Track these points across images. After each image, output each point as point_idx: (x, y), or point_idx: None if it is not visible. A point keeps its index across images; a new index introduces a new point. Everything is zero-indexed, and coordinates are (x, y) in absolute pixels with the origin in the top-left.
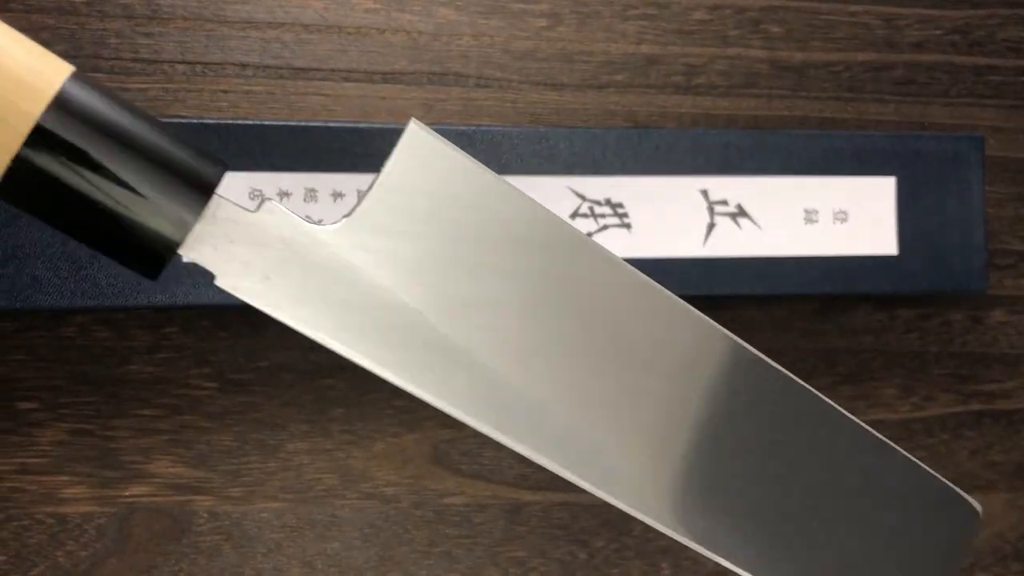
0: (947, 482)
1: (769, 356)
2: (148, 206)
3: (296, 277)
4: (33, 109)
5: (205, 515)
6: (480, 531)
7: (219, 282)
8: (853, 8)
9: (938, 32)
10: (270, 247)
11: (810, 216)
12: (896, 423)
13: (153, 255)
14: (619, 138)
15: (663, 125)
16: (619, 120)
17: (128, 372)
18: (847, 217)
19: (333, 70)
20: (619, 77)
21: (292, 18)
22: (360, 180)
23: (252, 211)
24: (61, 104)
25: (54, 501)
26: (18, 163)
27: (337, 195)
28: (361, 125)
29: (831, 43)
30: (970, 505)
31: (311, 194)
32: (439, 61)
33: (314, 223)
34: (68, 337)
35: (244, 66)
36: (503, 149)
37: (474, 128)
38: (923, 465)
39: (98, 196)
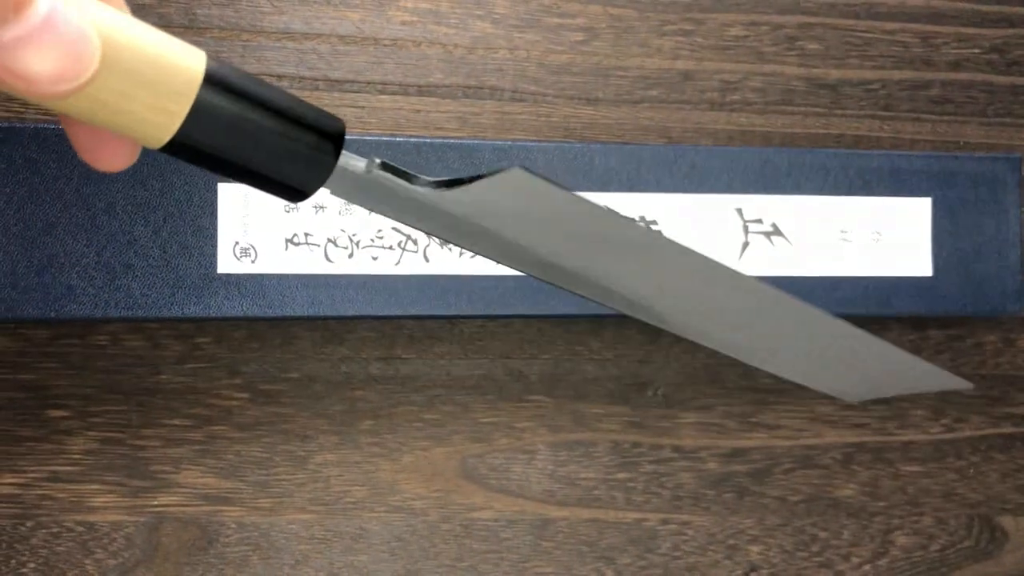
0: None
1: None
2: (301, 134)
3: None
4: (198, 65)
5: (233, 526)
6: (507, 546)
7: (361, 204)
8: (890, 26)
9: (975, 51)
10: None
11: (845, 236)
12: (927, 444)
13: (304, 182)
14: (654, 155)
15: (697, 141)
16: (653, 135)
17: (159, 382)
18: (882, 237)
19: (368, 82)
20: (654, 92)
21: (328, 29)
22: None
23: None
24: (213, 71)
25: (84, 509)
26: (194, 110)
27: None
28: (397, 138)
29: (867, 61)
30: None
31: (346, 207)
32: (475, 74)
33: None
34: (100, 346)
35: (280, 77)
36: (538, 164)
37: (510, 143)
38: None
39: (262, 129)
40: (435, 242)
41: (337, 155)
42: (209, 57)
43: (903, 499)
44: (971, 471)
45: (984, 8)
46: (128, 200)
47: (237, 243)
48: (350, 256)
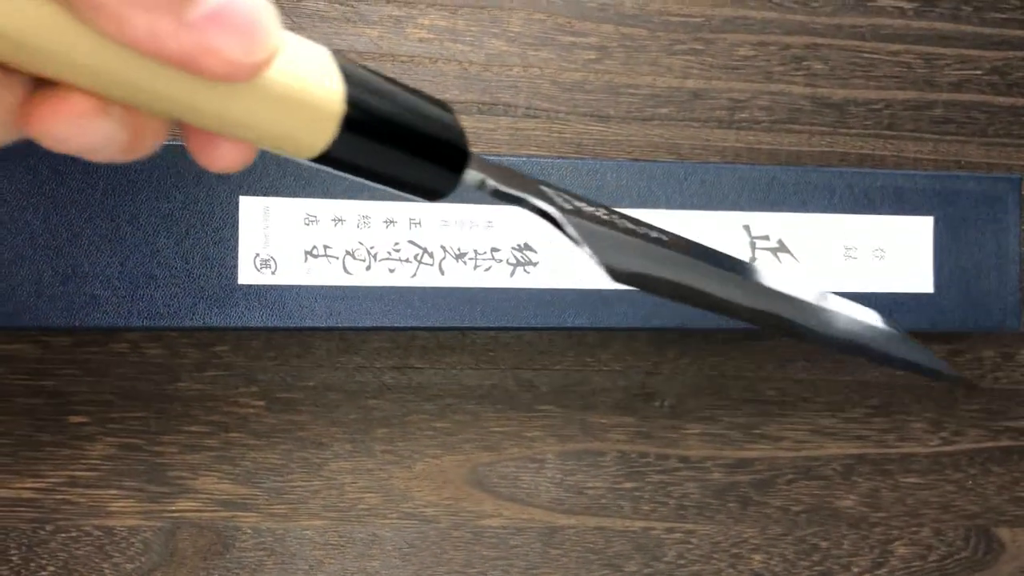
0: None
1: (803, 387)
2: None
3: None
4: (338, 76)
5: (249, 531)
6: (516, 553)
7: (511, 191)
8: (894, 47)
9: (977, 72)
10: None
11: (849, 253)
12: (926, 456)
13: (443, 182)
14: (665, 172)
15: (706, 158)
16: (663, 152)
17: (178, 389)
18: (885, 254)
19: None
20: (664, 110)
21: (347, 45)
22: (411, 209)
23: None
24: (348, 72)
25: (102, 514)
26: (346, 119)
27: (389, 222)
28: None
29: (872, 81)
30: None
31: (364, 220)
32: (489, 91)
33: None
34: (120, 353)
35: None
36: (551, 180)
37: (524, 159)
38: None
39: (404, 126)
40: (450, 255)
41: (465, 163)
42: (348, 64)
43: (902, 510)
44: (969, 483)
45: (985, 31)
46: (151, 212)
47: (258, 255)
48: (367, 268)
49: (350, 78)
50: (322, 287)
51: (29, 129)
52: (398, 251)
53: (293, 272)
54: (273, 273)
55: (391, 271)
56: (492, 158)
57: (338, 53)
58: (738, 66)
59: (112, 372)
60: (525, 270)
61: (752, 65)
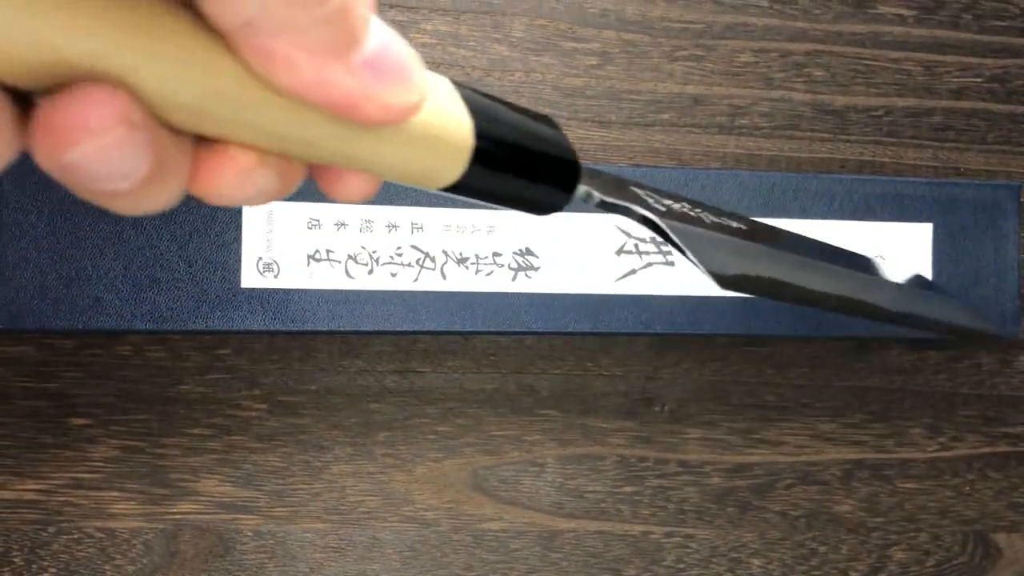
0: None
1: (804, 392)
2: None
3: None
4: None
5: (250, 534)
6: (516, 557)
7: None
8: (894, 55)
9: (977, 80)
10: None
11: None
12: (923, 462)
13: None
14: (666, 178)
15: (707, 164)
16: (663, 158)
17: (180, 392)
18: (884, 261)
19: None
20: (665, 116)
21: None
22: (413, 214)
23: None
24: (470, 103)
25: (104, 516)
26: (476, 154)
27: (392, 226)
28: None
29: (872, 88)
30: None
31: (367, 225)
32: None
33: None
34: (123, 356)
35: None
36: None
37: None
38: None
39: (525, 149)
40: (452, 260)
41: (577, 179)
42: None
43: (900, 515)
44: (967, 489)
45: (985, 38)
46: (155, 216)
47: (260, 259)
48: (370, 272)
49: (473, 109)
50: (324, 291)
51: (193, 188)
52: (400, 255)
53: (296, 276)
54: (276, 277)
55: (393, 275)
56: None
57: (457, 84)
58: (739, 72)
59: (115, 375)
60: (527, 275)
61: (753, 71)
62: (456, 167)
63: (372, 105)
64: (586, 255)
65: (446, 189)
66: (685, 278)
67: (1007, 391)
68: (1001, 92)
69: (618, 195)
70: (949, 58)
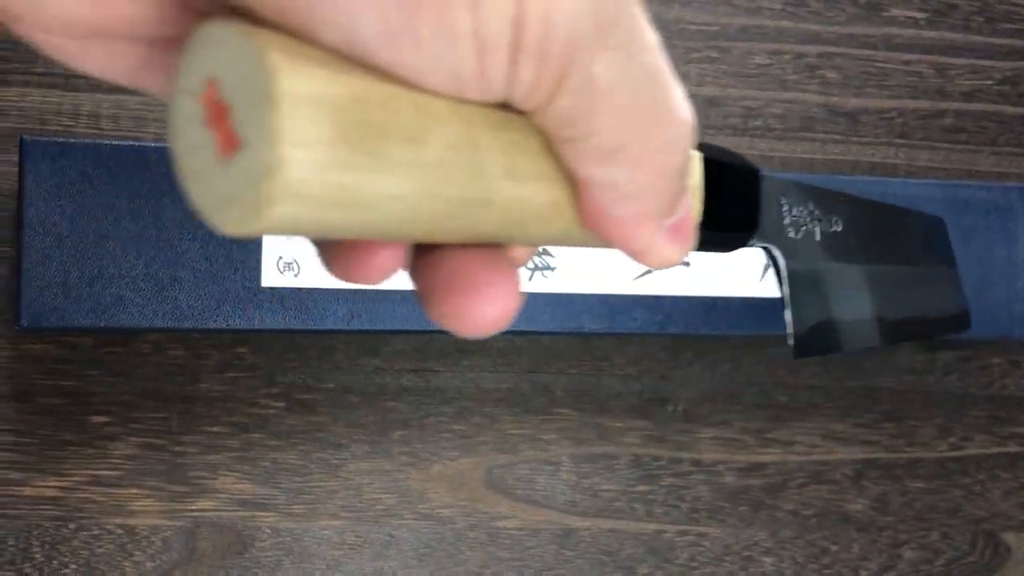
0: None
1: (816, 392)
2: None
3: None
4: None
5: (268, 531)
6: (531, 555)
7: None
8: (907, 57)
9: (988, 82)
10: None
11: None
12: (934, 462)
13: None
14: None
15: None
16: None
17: (199, 390)
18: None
19: None
20: None
21: None
22: None
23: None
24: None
25: (124, 513)
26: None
27: None
28: None
29: (885, 90)
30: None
31: None
32: None
33: None
34: (142, 354)
35: None
36: None
37: None
38: None
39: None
40: None
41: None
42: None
43: (910, 514)
44: (977, 488)
45: (997, 41)
46: (176, 214)
47: (281, 258)
48: None
49: (708, 185)
50: (343, 290)
51: (349, 275)
52: None
53: (315, 275)
54: (296, 276)
55: None
56: None
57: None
58: (752, 74)
59: (135, 373)
60: (543, 274)
61: (766, 73)
62: None
63: (656, 257)
64: (602, 255)
65: None
66: (700, 278)
67: (1017, 392)
68: (1012, 95)
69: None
70: (961, 61)
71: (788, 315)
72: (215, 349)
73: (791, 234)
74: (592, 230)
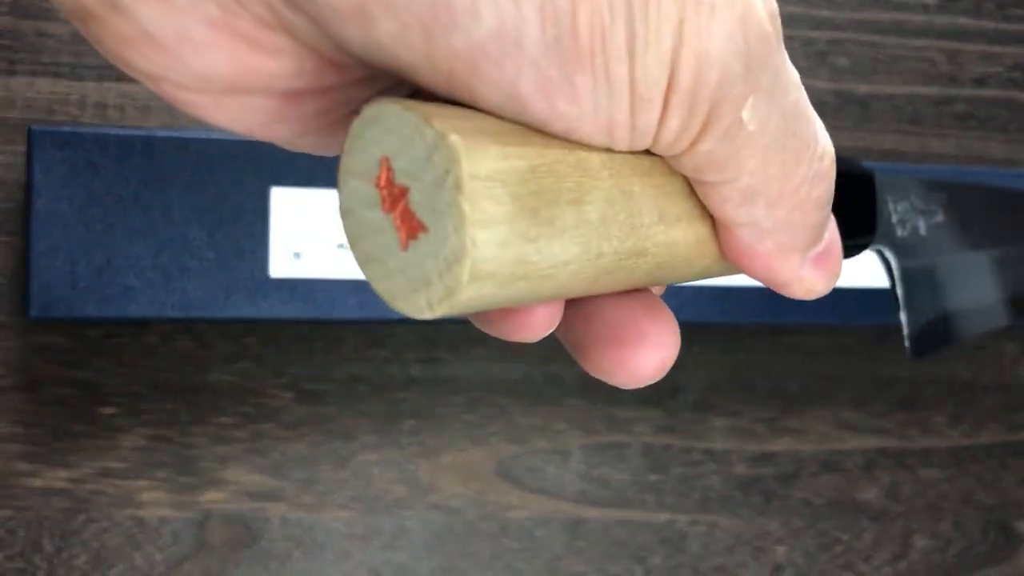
0: None
1: (828, 381)
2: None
3: None
4: None
5: (277, 522)
6: (541, 545)
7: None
8: (918, 43)
9: (1000, 69)
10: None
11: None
12: (945, 450)
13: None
14: None
15: None
16: None
17: (208, 381)
18: None
19: None
20: None
21: None
22: None
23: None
24: None
25: (133, 504)
26: None
27: None
28: None
29: (895, 76)
30: None
31: None
32: None
33: None
34: (151, 345)
35: None
36: None
37: None
38: None
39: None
40: None
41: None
42: None
43: (922, 503)
44: (989, 477)
45: (1008, 27)
46: (184, 205)
47: (289, 248)
48: None
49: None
50: (352, 280)
51: (506, 334)
52: None
53: (324, 265)
54: (304, 266)
55: None
56: None
57: None
58: None
59: (143, 364)
60: None
61: None
62: None
63: (801, 289)
64: None
65: None
66: None
67: None
68: (1023, 81)
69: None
70: (972, 47)
71: (903, 317)
72: (224, 339)
73: (900, 232)
74: (736, 265)
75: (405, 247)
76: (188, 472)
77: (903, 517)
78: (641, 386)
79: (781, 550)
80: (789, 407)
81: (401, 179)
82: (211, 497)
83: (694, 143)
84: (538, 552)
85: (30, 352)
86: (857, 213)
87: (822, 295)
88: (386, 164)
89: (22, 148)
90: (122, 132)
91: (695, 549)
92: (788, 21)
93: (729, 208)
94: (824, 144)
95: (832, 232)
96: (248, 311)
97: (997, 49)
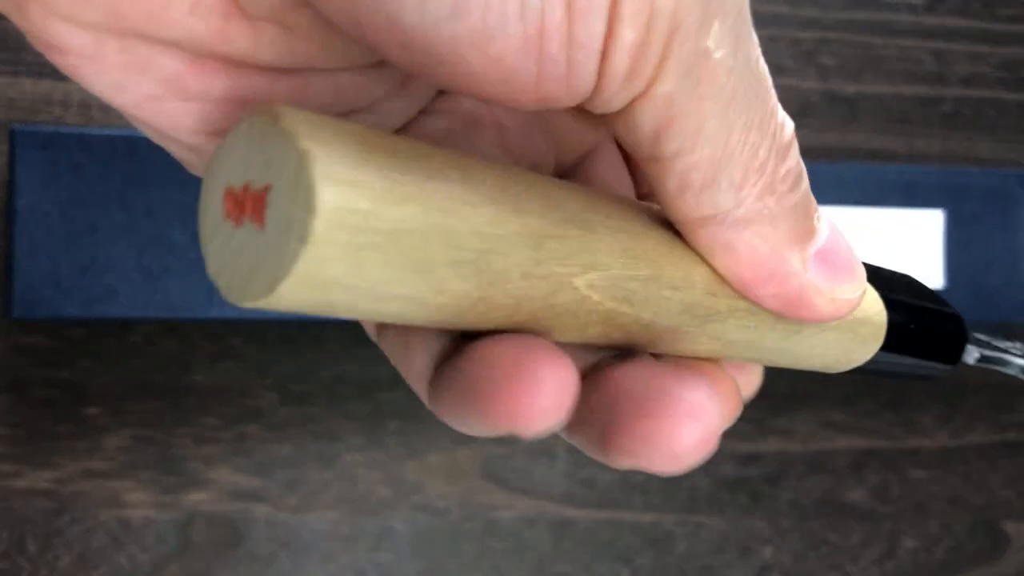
0: None
1: (816, 381)
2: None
3: None
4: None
5: (262, 523)
6: (527, 545)
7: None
8: (905, 42)
9: (987, 68)
10: None
11: (859, 247)
12: (933, 451)
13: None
14: None
15: None
16: None
17: (192, 381)
18: (895, 249)
19: None
20: None
21: None
22: None
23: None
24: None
25: (117, 505)
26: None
27: None
28: None
29: (883, 76)
30: None
31: None
32: None
33: None
34: (134, 345)
35: None
36: None
37: None
38: None
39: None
40: None
41: (960, 356)
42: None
43: (910, 503)
44: (976, 477)
45: (995, 27)
46: (167, 204)
47: None
48: None
49: (887, 298)
50: None
51: (512, 426)
52: None
53: None
54: None
55: None
56: None
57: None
58: None
59: (127, 364)
60: None
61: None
62: (867, 351)
63: (823, 299)
64: None
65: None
66: None
67: (1016, 380)
68: (1011, 80)
69: (993, 349)
70: (959, 46)
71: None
72: (207, 340)
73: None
74: (735, 285)
75: (239, 225)
76: (172, 473)
77: (891, 517)
78: (684, 469)
79: (768, 550)
80: (776, 407)
81: (259, 183)
82: (195, 498)
83: (652, 81)
84: (524, 553)
85: (13, 353)
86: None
87: (852, 306)
88: (244, 175)
89: (4, 148)
90: (105, 132)
91: (682, 549)
92: (775, 21)
93: (689, 198)
94: (783, 115)
95: (833, 227)
96: (232, 311)
97: (984, 49)
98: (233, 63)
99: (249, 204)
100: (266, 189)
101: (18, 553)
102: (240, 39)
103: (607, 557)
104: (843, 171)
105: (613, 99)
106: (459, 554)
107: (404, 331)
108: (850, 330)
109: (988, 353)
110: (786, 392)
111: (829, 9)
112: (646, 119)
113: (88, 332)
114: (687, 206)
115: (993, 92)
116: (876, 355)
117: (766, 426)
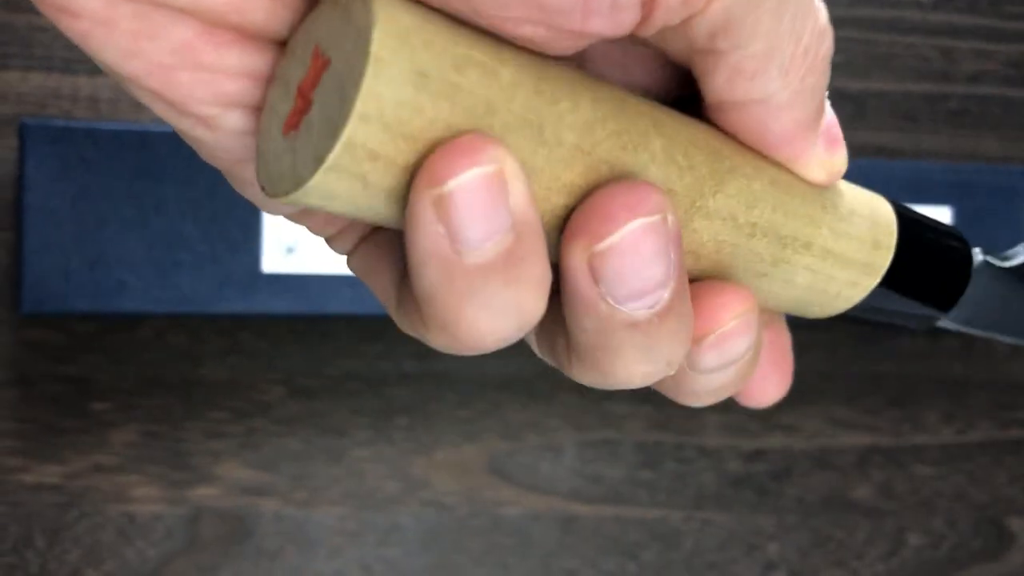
0: None
1: (819, 377)
2: None
3: None
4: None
5: (270, 518)
6: (534, 541)
7: None
8: (912, 40)
9: (994, 65)
10: None
11: None
12: (937, 447)
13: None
14: None
15: None
16: None
17: (200, 376)
18: None
19: None
20: None
21: None
22: None
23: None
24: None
25: (125, 500)
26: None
27: None
28: None
29: (889, 73)
30: None
31: None
32: None
33: None
34: (143, 340)
35: None
36: None
37: None
38: None
39: None
40: None
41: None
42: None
43: (915, 500)
44: (981, 474)
45: (1002, 24)
46: (177, 199)
47: (282, 242)
48: None
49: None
50: (345, 275)
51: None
52: None
53: (317, 259)
54: (297, 261)
55: None
56: None
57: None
58: None
59: (136, 359)
60: None
61: None
62: (855, 295)
63: (824, 173)
64: None
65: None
66: None
67: (1020, 377)
68: (1017, 77)
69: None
70: (966, 44)
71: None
72: (216, 334)
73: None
74: (761, 149)
75: (297, 127)
76: (180, 468)
77: (896, 514)
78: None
79: (774, 547)
80: (782, 404)
81: (325, 53)
82: (203, 493)
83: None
84: (531, 548)
85: (22, 348)
86: (942, 282)
87: (841, 170)
88: (317, 50)
89: (14, 142)
90: (115, 126)
91: (688, 546)
92: None
93: (740, 84)
94: (821, 5)
95: (829, 110)
96: (241, 306)
97: (991, 46)
98: (247, 35)
99: (316, 67)
100: (326, 63)
101: (26, 547)
102: (255, 11)
103: (613, 552)
104: (850, 168)
105: (666, 22)
106: (466, 549)
107: (373, 247)
108: (871, 219)
109: (998, 263)
110: (791, 389)
111: (836, 6)
112: (701, 29)
113: (97, 327)
114: (736, 91)
115: (1000, 89)
116: (869, 298)
117: (771, 423)
